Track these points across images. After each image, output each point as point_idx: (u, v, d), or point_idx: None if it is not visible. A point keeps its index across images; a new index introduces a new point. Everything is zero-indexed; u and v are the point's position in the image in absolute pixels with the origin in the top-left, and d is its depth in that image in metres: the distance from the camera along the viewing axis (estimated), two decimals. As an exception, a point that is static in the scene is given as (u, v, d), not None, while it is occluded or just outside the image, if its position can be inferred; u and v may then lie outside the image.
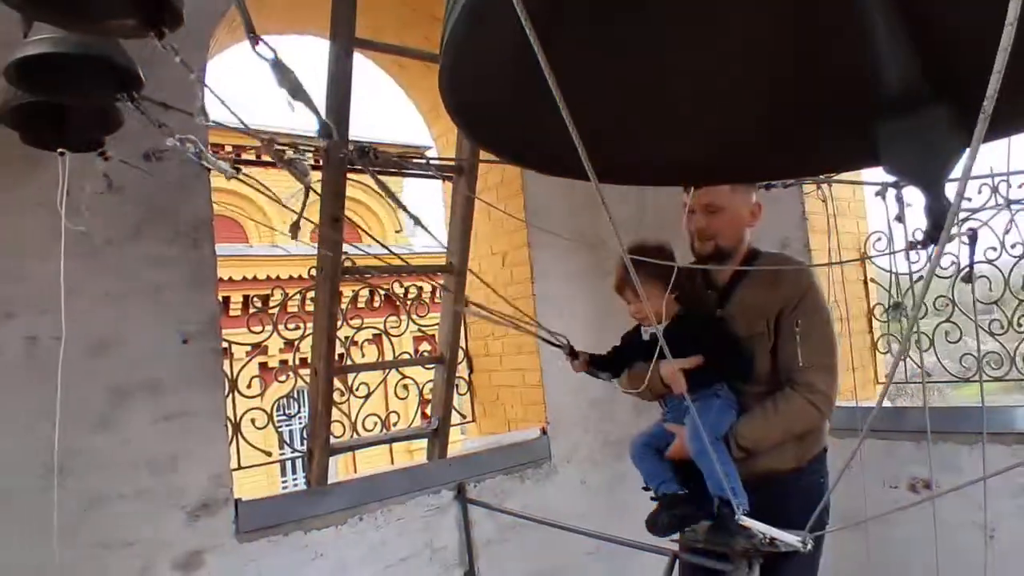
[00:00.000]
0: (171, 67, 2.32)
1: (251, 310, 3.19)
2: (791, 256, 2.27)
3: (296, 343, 3.18)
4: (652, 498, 2.07)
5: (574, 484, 3.42)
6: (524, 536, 3.14)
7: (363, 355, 3.55)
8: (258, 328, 3.08)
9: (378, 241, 2.85)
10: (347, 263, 2.78)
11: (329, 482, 2.83)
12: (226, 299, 9.40)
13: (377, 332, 3.45)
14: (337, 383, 3.08)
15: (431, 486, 3.02)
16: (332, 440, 2.90)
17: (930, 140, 0.79)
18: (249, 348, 3.23)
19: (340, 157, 2.39)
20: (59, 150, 1.81)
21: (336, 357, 2.87)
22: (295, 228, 1.89)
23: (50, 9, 1.25)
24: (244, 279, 9.95)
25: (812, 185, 3.18)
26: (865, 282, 3.66)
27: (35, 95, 1.59)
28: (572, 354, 2.24)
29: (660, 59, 0.99)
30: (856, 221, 3.63)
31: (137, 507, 2.39)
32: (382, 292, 3.50)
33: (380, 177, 2.26)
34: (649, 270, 1.84)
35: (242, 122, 1.56)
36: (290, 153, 1.74)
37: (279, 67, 1.24)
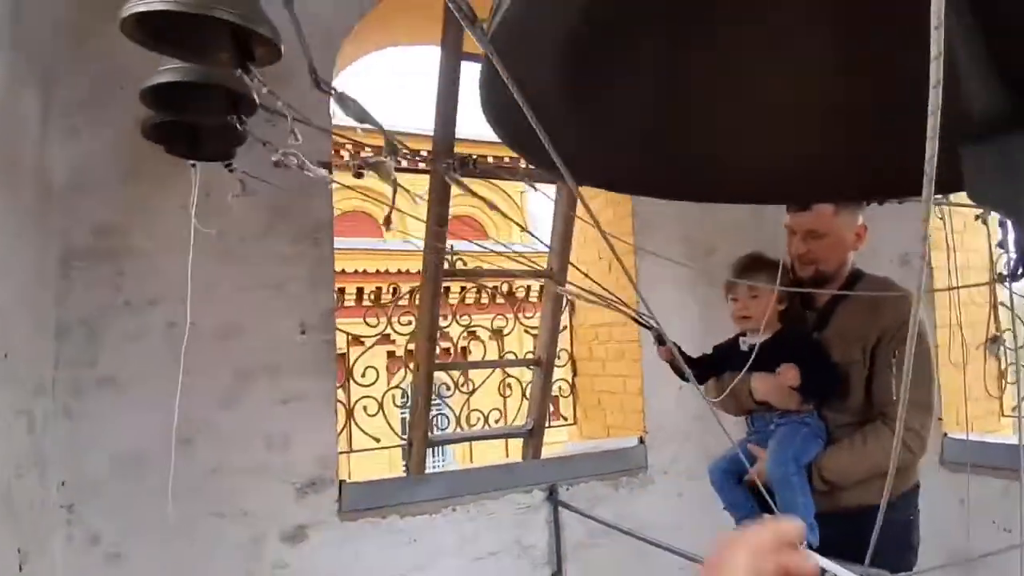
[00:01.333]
0: (302, 82, 2.59)
1: (365, 303, 3.44)
2: (893, 281, 2.16)
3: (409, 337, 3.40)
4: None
5: (670, 496, 3.39)
6: (615, 543, 3.15)
7: (470, 352, 3.72)
8: (373, 321, 3.34)
9: (476, 244, 2.97)
10: (458, 261, 2.95)
11: (440, 470, 3.02)
12: (359, 290, 10.10)
13: (488, 329, 3.60)
14: (445, 377, 3.27)
15: (523, 485, 3.11)
16: (435, 432, 3.10)
17: (1019, 168, 0.74)
18: (366, 338, 3.47)
19: (444, 166, 2.54)
20: (191, 162, 2.07)
21: (441, 352, 3.06)
22: (387, 222, 2.04)
23: (168, 46, 1.47)
24: (366, 272, 10.56)
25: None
26: (993, 306, 3.37)
27: (166, 115, 1.86)
28: (659, 340, 2.22)
29: (739, 80, 1.00)
30: (986, 237, 3.36)
31: (252, 480, 2.66)
32: (489, 289, 3.63)
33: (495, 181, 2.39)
34: (765, 278, 1.96)
35: (329, 130, 1.71)
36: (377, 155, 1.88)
37: (342, 99, 1.37)
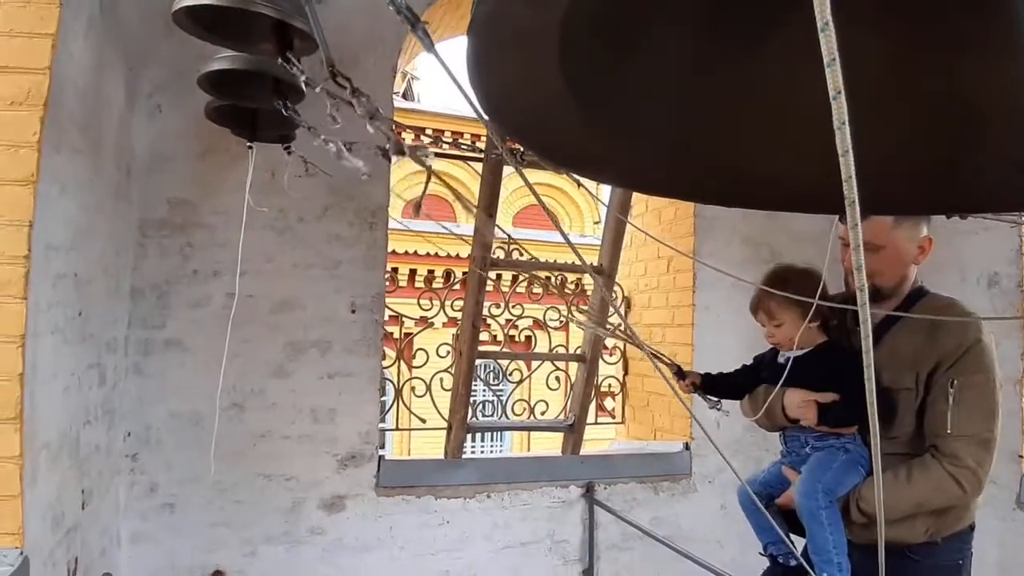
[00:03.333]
0: (363, 70, 2.88)
1: (416, 285, 3.71)
2: (958, 302, 2.03)
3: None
4: (761, 553, 2.05)
5: (713, 507, 3.49)
6: (649, 547, 3.27)
7: (534, 342, 3.93)
8: (427, 303, 3.61)
9: (507, 238, 3.17)
10: (515, 250, 3.17)
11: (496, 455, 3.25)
12: (412, 271, 10.54)
13: (533, 319, 3.81)
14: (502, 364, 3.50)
15: (560, 480, 3.30)
16: (480, 418, 3.34)
17: None
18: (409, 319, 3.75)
19: (493, 157, 2.76)
20: (248, 144, 2.38)
21: (491, 339, 3.29)
22: (417, 208, 2.27)
23: (220, 36, 1.75)
24: (428, 254, 10.96)
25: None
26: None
27: (223, 100, 2.17)
28: (679, 374, 2.26)
29: (776, 82, 0.97)
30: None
31: (297, 448, 2.97)
32: (542, 280, 3.83)
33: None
34: (792, 293, 1.81)
35: (369, 122, 1.93)
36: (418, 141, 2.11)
37: (357, 93, 1.60)
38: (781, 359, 2.05)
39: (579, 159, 1.15)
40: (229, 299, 2.86)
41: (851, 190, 0.52)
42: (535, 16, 0.83)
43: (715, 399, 2.26)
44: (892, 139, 1.03)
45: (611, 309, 3.07)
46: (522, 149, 2.64)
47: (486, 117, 0.93)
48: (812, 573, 1.77)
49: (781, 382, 1.90)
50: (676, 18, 0.97)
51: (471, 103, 0.92)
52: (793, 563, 1.92)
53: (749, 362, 2.27)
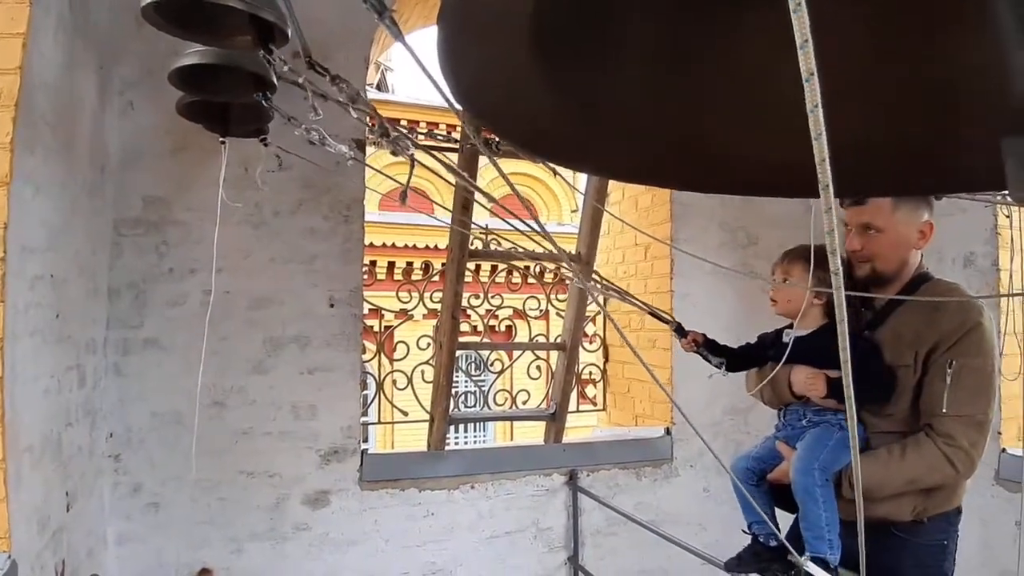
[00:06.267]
0: (336, 62, 2.93)
1: (395, 278, 3.79)
2: (961, 287, 2.13)
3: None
4: (744, 531, 2.13)
5: (695, 491, 3.64)
6: (633, 532, 3.41)
7: (514, 332, 4.01)
8: (405, 295, 3.68)
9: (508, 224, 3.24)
10: (493, 240, 3.25)
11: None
12: (391, 264, 10.61)
13: (514, 310, 3.89)
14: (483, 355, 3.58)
15: (544, 468, 3.43)
16: (462, 409, 3.43)
17: None
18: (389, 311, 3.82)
19: (469, 147, 2.83)
20: (220, 139, 2.44)
21: (471, 330, 3.37)
22: (403, 197, 2.33)
23: (190, 31, 1.80)
24: (406, 246, 11.07)
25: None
26: (1051, 317, 3.39)
27: (195, 95, 2.23)
28: (679, 331, 2.28)
29: (752, 65, 0.98)
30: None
31: (279, 444, 3.06)
32: (521, 270, 3.91)
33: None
34: (800, 268, 1.98)
35: (352, 106, 1.98)
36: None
37: (337, 80, 1.68)
38: (786, 338, 2.12)
39: (553, 147, 1.17)
40: (206, 296, 2.93)
41: (824, 173, 0.53)
42: (505, 4, 0.85)
43: (719, 359, 2.24)
44: (868, 120, 1.05)
45: (589, 296, 3.16)
46: (497, 139, 2.72)
47: (458, 106, 0.96)
48: (793, 554, 1.86)
49: (783, 359, 1.98)
50: (649, 3, 0.98)
51: (441, 92, 0.98)
52: (774, 543, 2.02)
53: (749, 342, 2.31)
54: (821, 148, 0.52)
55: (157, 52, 2.77)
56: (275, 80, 2.18)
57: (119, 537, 2.83)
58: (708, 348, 2.24)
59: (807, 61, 0.47)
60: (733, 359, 2.24)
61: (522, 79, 0.93)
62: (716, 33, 0.97)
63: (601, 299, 4.01)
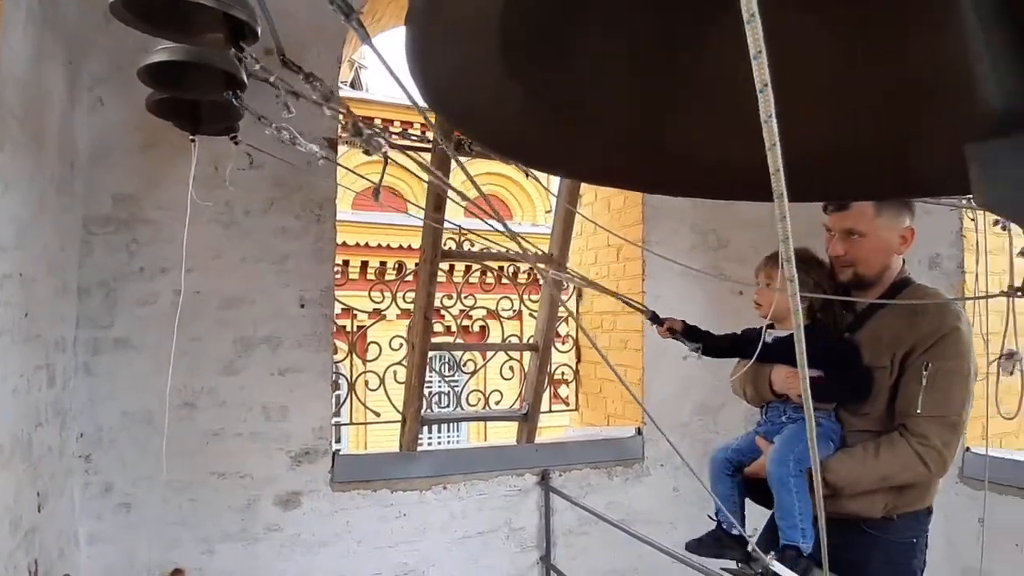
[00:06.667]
0: (308, 59, 2.95)
1: (368, 277, 3.80)
2: (940, 292, 2.23)
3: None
4: (710, 516, 2.27)
5: (666, 490, 3.70)
6: (605, 531, 3.46)
7: (488, 333, 4.04)
8: (378, 296, 3.70)
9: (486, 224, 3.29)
10: (466, 240, 3.28)
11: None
12: (364, 263, 10.62)
13: (488, 310, 3.93)
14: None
15: (516, 468, 3.47)
16: (436, 410, 3.46)
17: None
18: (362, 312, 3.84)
19: (442, 148, 2.86)
20: (190, 137, 2.45)
21: (445, 330, 3.39)
22: (376, 194, 2.36)
23: (160, 27, 1.82)
24: (379, 246, 11.09)
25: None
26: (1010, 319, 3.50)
27: (165, 92, 2.24)
28: (655, 319, 2.32)
29: (721, 70, 0.96)
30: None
31: (250, 445, 3.07)
32: (495, 271, 3.95)
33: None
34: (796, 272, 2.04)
35: (326, 104, 2.00)
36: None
37: (310, 78, 1.70)
38: (768, 338, 2.20)
39: (522, 149, 1.18)
40: (177, 296, 2.93)
41: (778, 183, 0.55)
42: (473, 6, 0.86)
43: (695, 344, 2.29)
44: (836, 125, 1.08)
45: (562, 299, 3.21)
46: (467, 139, 2.75)
47: (423, 106, 0.97)
48: (756, 550, 1.90)
49: (757, 357, 2.05)
50: (619, 6, 0.99)
51: (408, 94, 1.01)
52: (735, 532, 2.11)
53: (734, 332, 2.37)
54: (775, 159, 0.53)
55: (127, 48, 2.77)
56: (245, 78, 2.19)
57: (91, 537, 2.83)
58: (685, 335, 2.30)
59: (761, 72, 0.47)
60: (711, 345, 2.29)
61: (491, 81, 0.94)
62: (683, 37, 0.98)
63: (574, 300, 4.07)
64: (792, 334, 1.99)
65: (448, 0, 0.84)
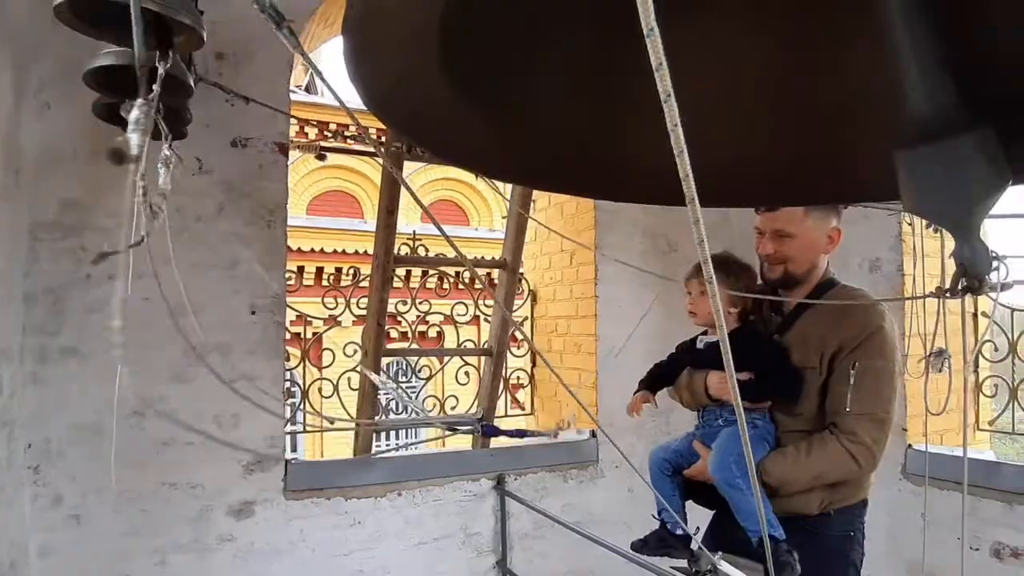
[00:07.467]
0: (258, 62, 3.00)
1: (324, 284, 3.83)
2: (865, 292, 2.35)
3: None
4: (653, 516, 2.36)
5: (620, 491, 3.80)
6: (561, 534, 3.55)
7: (443, 338, 4.11)
8: (331, 302, 3.74)
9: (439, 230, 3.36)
10: (420, 246, 3.34)
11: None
12: (319, 269, 10.63)
13: (443, 315, 3.99)
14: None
15: (471, 473, 3.54)
16: (390, 416, 3.50)
17: (961, 174, 0.74)
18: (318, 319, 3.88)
19: (393, 151, 2.93)
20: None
21: (400, 336, 3.45)
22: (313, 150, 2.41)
23: (103, 31, 1.84)
24: (334, 251, 11.08)
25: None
26: (975, 315, 3.67)
27: (110, 97, 2.27)
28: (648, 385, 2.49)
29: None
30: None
31: (201, 454, 3.08)
32: (452, 276, 4.02)
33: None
34: (724, 279, 2.14)
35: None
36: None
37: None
38: (700, 344, 2.37)
39: (466, 153, 1.23)
40: (124, 304, 2.92)
41: (690, 188, 0.57)
42: (413, 13, 0.89)
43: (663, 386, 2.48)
44: (774, 131, 1.13)
45: (516, 302, 3.29)
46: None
47: (351, 109, 1.00)
48: (702, 548, 1.99)
49: (693, 361, 2.23)
50: (559, 15, 1.02)
51: (341, 102, 1.06)
52: (679, 532, 2.22)
53: (671, 352, 2.53)
54: (684, 164, 0.55)
55: (74, 52, 2.78)
56: (191, 82, 2.23)
57: (41, 550, 2.82)
58: (655, 390, 2.47)
59: (664, 84, 0.50)
60: (669, 375, 2.44)
61: (433, 87, 0.98)
62: (621, 45, 1.01)
63: (528, 304, 4.16)
64: (717, 340, 2.12)
65: (387, 8, 0.87)
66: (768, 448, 2.14)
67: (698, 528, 2.35)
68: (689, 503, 2.37)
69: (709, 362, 2.24)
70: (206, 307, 3.13)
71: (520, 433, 2.64)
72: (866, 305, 2.20)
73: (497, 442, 3.75)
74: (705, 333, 2.38)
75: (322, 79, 1.21)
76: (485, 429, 2.66)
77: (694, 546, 2.06)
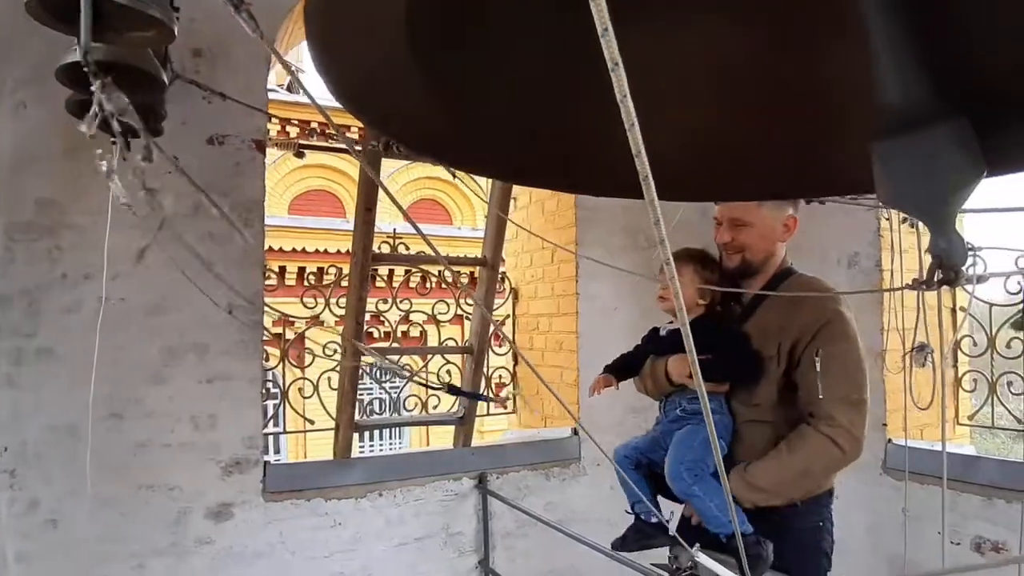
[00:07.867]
0: (235, 59, 2.99)
1: (306, 283, 3.83)
2: (821, 281, 2.40)
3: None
4: (627, 511, 2.42)
5: (602, 489, 3.82)
6: (543, 533, 3.58)
7: (426, 338, 4.11)
8: (311, 301, 3.73)
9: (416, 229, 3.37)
10: (400, 245, 3.35)
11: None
12: (300, 269, 10.62)
13: (426, 315, 4.00)
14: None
15: (452, 472, 3.56)
16: (373, 416, 3.51)
17: (936, 165, 0.74)
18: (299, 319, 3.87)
19: (371, 149, 2.93)
20: (112, 139, 2.47)
21: (382, 335, 3.45)
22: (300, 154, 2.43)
23: (75, 28, 1.84)
24: (317, 251, 11.06)
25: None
26: (953, 310, 3.73)
27: (84, 94, 2.26)
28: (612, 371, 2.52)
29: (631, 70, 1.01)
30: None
31: (179, 457, 3.09)
32: (435, 275, 4.03)
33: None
34: (691, 269, 2.25)
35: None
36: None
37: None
38: (663, 332, 2.43)
39: (438, 147, 1.24)
40: (100, 304, 2.91)
41: (649, 189, 0.59)
42: (378, 7, 0.89)
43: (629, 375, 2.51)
44: (753, 126, 1.14)
45: (497, 300, 3.31)
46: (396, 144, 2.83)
47: (322, 106, 0.98)
48: (680, 540, 2.02)
49: (656, 350, 2.27)
50: (525, 7, 1.03)
51: (310, 97, 1.06)
52: (654, 520, 2.27)
53: (637, 343, 2.57)
54: (643, 165, 0.56)
55: (49, 50, 2.77)
56: (166, 79, 2.23)
57: (18, 555, 2.81)
58: (621, 377, 2.48)
59: (620, 84, 0.50)
60: (635, 365, 2.48)
61: (401, 80, 0.99)
62: (593, 42, 1.06)
63: (510, 302, 4.17)
64: (678, 328, 2.15)
65: (345, 5, 0.87)
66: (724, 445, 2.18)
67: (672, 513, 2.37)
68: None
69: (671, 348, 2.29)
70: (183, 307, 3.13)
71: (477, 396, 2.69)
72: (821, 293, 2.26)
73: (479, 440, 3.77)
74: (671, 322, 2.42)
75: (290, 71, 1.22)
76: (450, 389, 2.76)
77: (671, 533, 2.10)
